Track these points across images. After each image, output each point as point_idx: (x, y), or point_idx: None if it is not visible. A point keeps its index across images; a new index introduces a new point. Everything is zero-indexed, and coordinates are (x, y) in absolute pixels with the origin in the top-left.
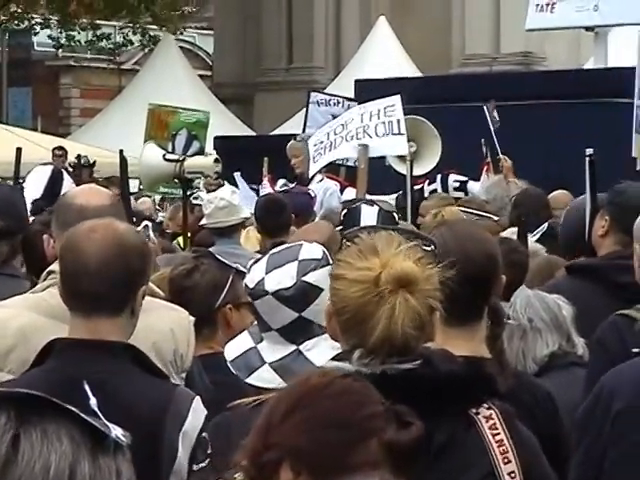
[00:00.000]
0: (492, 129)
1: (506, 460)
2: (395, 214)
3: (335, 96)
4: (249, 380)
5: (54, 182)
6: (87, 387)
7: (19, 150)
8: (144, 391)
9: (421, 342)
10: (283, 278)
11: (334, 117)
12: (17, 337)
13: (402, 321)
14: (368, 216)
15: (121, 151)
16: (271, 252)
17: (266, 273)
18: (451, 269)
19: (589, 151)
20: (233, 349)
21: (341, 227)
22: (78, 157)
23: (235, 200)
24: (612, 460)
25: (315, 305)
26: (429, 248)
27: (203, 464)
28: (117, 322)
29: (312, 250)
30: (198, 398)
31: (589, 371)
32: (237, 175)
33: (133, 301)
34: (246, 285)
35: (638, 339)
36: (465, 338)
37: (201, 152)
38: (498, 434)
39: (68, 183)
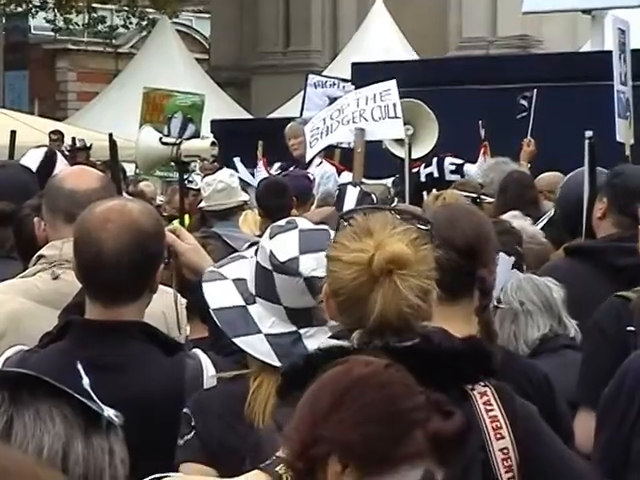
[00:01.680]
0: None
1: (499, 436)
2: (374, 195)
3: (331, 77)
4: (238, 342)
5: (46, 164)
6: (80, 367)
7: (13, 133)
8: (160, 370)
9: (418, 322)
10: (318, 267)
11: (330, 98)
12: (7, 323)
13: (398, 302)
14: (351, 197)
15: (110, 135)
16: (300, 228)
17: (300, 253)
18: (441, 245)
19: (588, 133)
20: (216, 296)
21: (334, 207)
22: (73, 140)
23: (234, 183)
24: (638, 445)
25: None
26: (425, 227)
27: (188, 437)
28: (136, 305)
29: None
30: (208, 366)
31: (585, 353)
32: (237, 160)
33: (152, 283)
34: (272, 254)
35: (633, 323)
36: (461, 316)
37: (197, 135)
38: (492, 410)
39: (62, 165)
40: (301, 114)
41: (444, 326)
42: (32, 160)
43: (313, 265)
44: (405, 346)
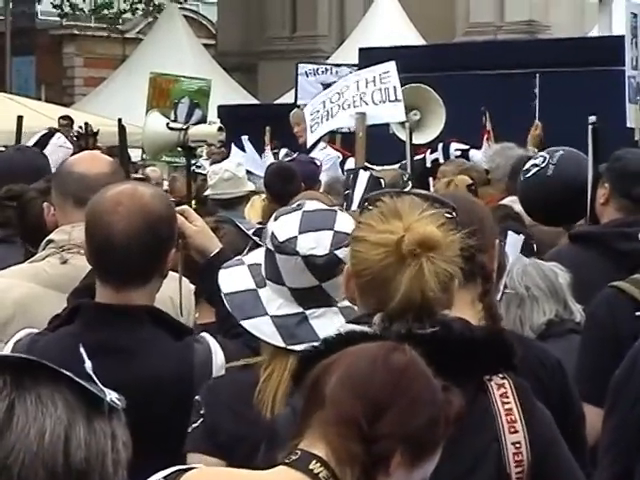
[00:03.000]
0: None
1: (512, 429)
2: (383, 180)
3: (323, 64)
4: (246, 324)
5: (39, 142)
6: (83, 351)
7: (20, 118)
8: (170, 355)
9: (440, 308)
10: (317, 245)
11: (323, 85)
12: (16, 308)
13: (424, 285)
14: (361, 181)
15: (119, 120)
16: (304, 209)
17: (299, 232)
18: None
19: (592, 119)
20: (230, 281)
21: (345, 191)
22: (86, 125)
23: (240, 173)
24: None
25: (336, 279)
26: (450, 215)
27: (195, 424)
28: (146, 289)
29: (346, 223)
30: (217, 350)
31: (580, 346)
32: (244, 139)
33: (163, 266)
34: (273, 235)
35: (627, 313)
36: (467, 301)
37: (203, 120)
38: (508, 403)
39: (54, 147)
40: (295, 102)
41: (454, 311)
42: (33, 139)
43: (311, 244)
44: (427, 333)
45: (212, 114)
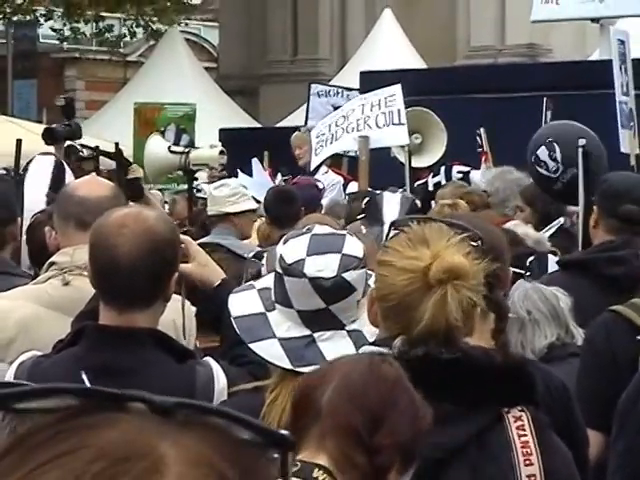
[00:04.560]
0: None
1: (527, 462)
2: (417, 201)
3: (335, 87)
4: (254, 347)
5: (59, 172)
6: (85, 377)
7: (19, 142)
8: (172, 377)
9: (462, 336)
10: (324, 267)
11: (334, 107)
12: (18, 328)
13: (448, 313)
14: (390, 203)
15: (117, 144)
16: (313, 232)
17: (307, 255)
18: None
19: (582, 141)
20: (239, 305)
21: (363, 215)
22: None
23: (220, 192)
24: None
25: (344, 302)
26: (475, 243)
27: None
28: (150, 311)
29: (355, 246)
30: (219, 374)
31: (580, 369)
32: (255, 162)
33: (166, 289)
34: (282, 257)
35: (626, 338)
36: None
37: (192, 144)
38: (524, 436)
39: (69, 174)
40: (305, 124)
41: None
42: (43, 168)
43: (319, 266)
44: (446, 359)
45: (214, 137)
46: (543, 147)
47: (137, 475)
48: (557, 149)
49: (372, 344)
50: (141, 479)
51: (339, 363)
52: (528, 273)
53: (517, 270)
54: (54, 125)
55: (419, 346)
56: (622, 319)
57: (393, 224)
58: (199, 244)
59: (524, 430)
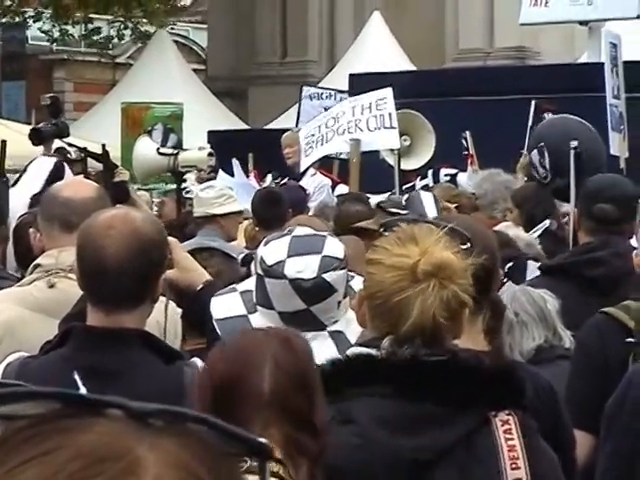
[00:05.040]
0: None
1: (514, 466)
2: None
3: (327, 89)
4: None
5: (54, 176)
6: (77, 377)
7: (4, 143)
8: (159, 378)
9: (450, 336)
10: (304, 268)
11: (325, 110)
12: (3, 331)
13: (435, 310)
14: (428, 201)
15: (103, 145)
16: (294, 234)
17: (288, 256)
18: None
19: (573, 143)
20: (221, 308)
21: (406, 212)
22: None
23: (207, 194)
24: None
25: (324, 303)
26: (465, 246)
27: None
28: (137, 312)
29: (335, 247)
30: None
31: (570, 370)
32: (235, 163)
33: (154, 291)
34: (262, 260)
35: (617, 340)
36: (468, 329)
37: (179, 145)
38: (511, 439)
39: (68, 174)
40: (297, 126)
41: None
42: (40, 170)
43: (299, 267)
44: (434, 361)
45: (202, 139)
46: (535, 151)
47: (113, 475)
48: (546, 156)
49: (360, 345)
50: (119, 479)
51: (251, 345)
52: (505, 279)
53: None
54: (40, 125)
55: (406, 345)
56: (613, 321)
57: (382, 225)
58: (194, 249)
59: (511, 434)
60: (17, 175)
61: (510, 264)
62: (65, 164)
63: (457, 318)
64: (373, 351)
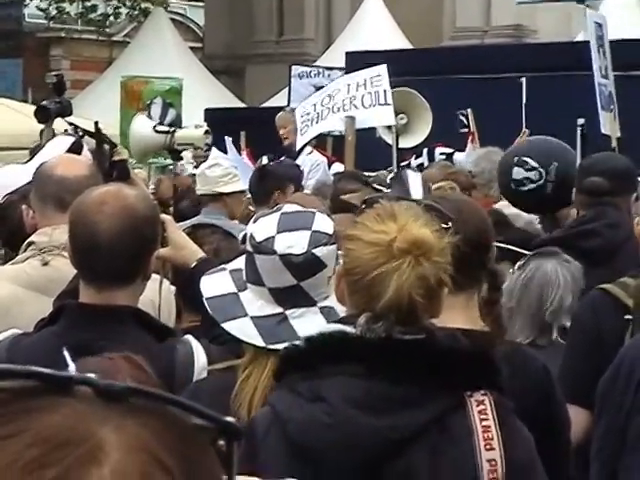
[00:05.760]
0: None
1: (488, 447)
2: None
3: (315, 67)
4: (226, 326)
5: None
6: (66, 353)
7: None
8: (151, 356)
9: (427, 314)
10: (294, 244)
11: (316, 87)
12: None
13: (410, 286)
14: (415, 181)
15: (96, 122)
16: (282, 211)
17: (277, 232)
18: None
19: (580, 121)
20: (211, 286)
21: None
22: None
23: (213, 172)
24: (636, 428)
25: (315, 278)
26: (447, 225)
27: None
28: (129, 289)
29: (325, 223)
30: (199, 353)
31: (566, 346)
32: (228, 140)
33: (146, 268)
34: (252, 236)
35: (613, 316)
36: (461, 306)
37: (178, 119)
38: (486, 419)
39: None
40: (288, 106)
41: (442, 315)
42: (56, 150)
43: (289, 243)
44: (408, 339)
45: (199, 117)
46: (515, 168)
47: (71, 463)
48: (529, 159)
49: (338, 321)
50: (75, 467)
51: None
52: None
53: (517, 249)
54: (44, 102)
55: (382, 323)
56: (610, 297)
57: (365, 202)
58: (195, 225)
59: (486, 414)
60: (30, 152)
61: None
62: (84, 144)
63: (434, 297)
64: (349, 328)
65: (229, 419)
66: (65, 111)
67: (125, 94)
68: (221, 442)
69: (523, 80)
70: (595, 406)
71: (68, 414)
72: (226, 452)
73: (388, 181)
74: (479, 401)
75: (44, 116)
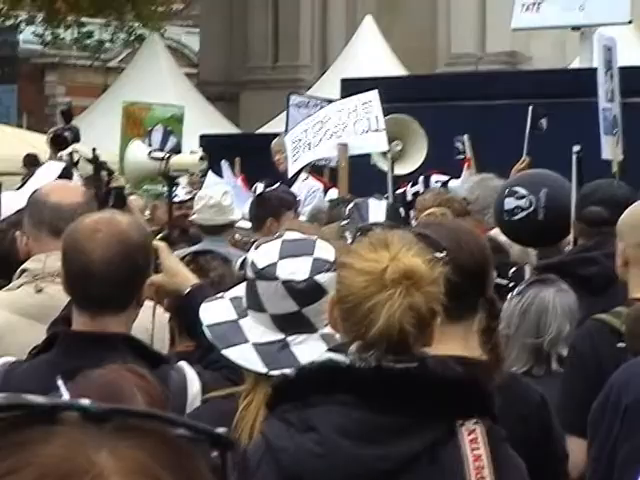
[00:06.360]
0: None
1: (479, 476)
2: (402, 209)
3: (314, 98)
4: (227, 353)
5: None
6: (60, 382)
7: None
8: None
9: (419, 343)
10: (296, 270)
11: None
12: None
13: (402, 316)
14: (376, 210)
15: (94, 149)
16: (284, 238)
17: (279, 259)
18: (448, 263)
19: (576, 148)
20: (211, 313)
21: (347, 221)
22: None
23: (225, 201)
24: (623, 455)
25: (316, 305)
26: (440, 255)
27: None
28: (122, 316)
29: (326, 250)
30: (193, 380)
31: (564, 376)
32: (224, 164)
33: (139, 294)
34: (253, 263)
35: (610, 345)
36: (460, 336)
37: (178, 146)
38: (477, 449)
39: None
40: (286, 131)
41: (440, 345)
42: (50, 174)
43: (291, 269)
44: (399, 368)
45: (194, 143)
46: (506, 199)
47: None
48: (518, 188)
49: (330, 350)
50: None
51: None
52: (512, 283)
53: (499, 281)
54: (57, 129)
55: (374, 351)
56: (606, 327)
57: (359, 230)
58: (196, 252)
59: (477, 443)
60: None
61: (514, 269)
62: (74, 172)
63: (426, 326)
64: (341, 356)
65: (221, 430)
66: (76, 137)
67: (126, 120)
68: (215, 454)
69: (530, 107)
70: (587, 435)
71: (63, 444)
72: (220, 463)
73: (347, 212)
74: (470, 430)
75: (62, 143)
